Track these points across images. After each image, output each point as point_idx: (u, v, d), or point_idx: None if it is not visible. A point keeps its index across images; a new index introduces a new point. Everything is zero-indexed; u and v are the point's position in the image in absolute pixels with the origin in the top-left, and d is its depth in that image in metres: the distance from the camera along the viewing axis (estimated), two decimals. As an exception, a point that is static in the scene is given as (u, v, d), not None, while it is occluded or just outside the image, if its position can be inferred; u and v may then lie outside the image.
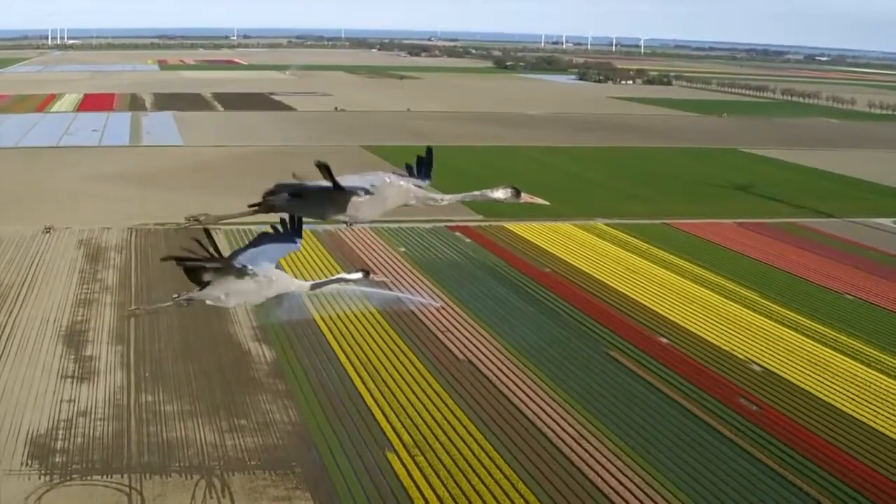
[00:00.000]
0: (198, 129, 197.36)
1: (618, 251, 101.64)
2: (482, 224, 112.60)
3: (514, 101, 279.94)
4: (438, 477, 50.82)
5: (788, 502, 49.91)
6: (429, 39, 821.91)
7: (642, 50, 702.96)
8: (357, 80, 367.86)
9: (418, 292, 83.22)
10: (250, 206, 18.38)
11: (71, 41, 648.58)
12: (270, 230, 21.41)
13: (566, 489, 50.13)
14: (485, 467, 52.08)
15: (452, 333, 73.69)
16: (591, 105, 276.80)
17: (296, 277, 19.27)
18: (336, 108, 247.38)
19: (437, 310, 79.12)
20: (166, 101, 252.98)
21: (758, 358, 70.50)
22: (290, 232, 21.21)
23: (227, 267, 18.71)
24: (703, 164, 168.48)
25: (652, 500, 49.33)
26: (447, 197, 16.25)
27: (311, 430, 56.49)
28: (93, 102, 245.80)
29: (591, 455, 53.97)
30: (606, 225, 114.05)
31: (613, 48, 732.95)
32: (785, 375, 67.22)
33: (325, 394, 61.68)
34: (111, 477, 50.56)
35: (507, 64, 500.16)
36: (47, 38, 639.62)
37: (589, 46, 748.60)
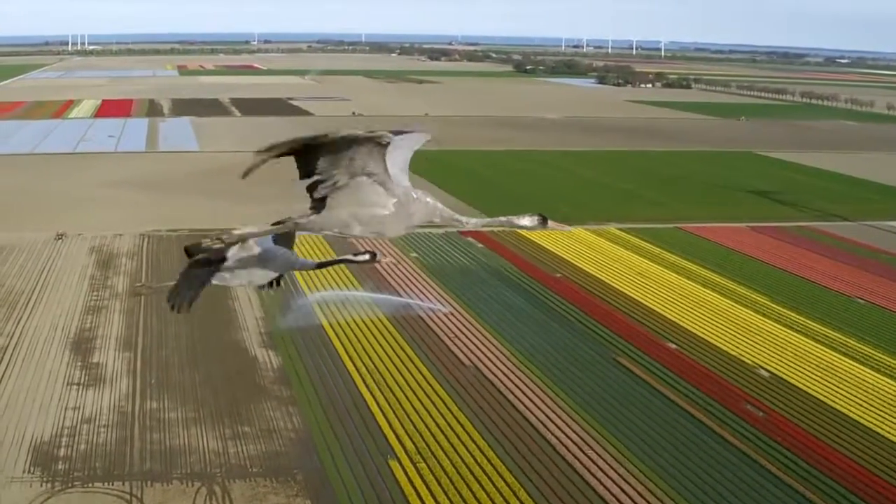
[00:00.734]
0: (214, 135, 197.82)
1: (630, 256, 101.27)
2: (495, 230, 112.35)
3: (533, 105, 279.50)
4: (440, 484, 50.66)
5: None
6: (449, 44, 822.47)
7: (662, 53, 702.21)
8: (376, 85, 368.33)
9: (427, 298, 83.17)
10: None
11: (91, 47, 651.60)
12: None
13: (567, 497, 49.89)
14: (486, 475, 51.87)
15: (460, 339, 73.53)
16: (609, 109, 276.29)
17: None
18: (353, 113, 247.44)
19: (446, 315, 79.01)
20: (184, 107, 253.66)
21: (766, 363, 70.06)
22: None
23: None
24: (718, 168, 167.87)
25: (653, 507, 49.06)
26: (472, 220, 15.79)
27: (314, 437, 56.43)
28: (110, 108, 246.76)
29: (593, 462, 53.67)
30: (619, 229, 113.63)
31: (634, 51, 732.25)
32: (792, 381, 66.79)
33: (329, 400, 61.62)
34: (112, 484, 50.60)
35: (527, 68, 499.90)
36: (68, 43, 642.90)
37: (609, 50, 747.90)
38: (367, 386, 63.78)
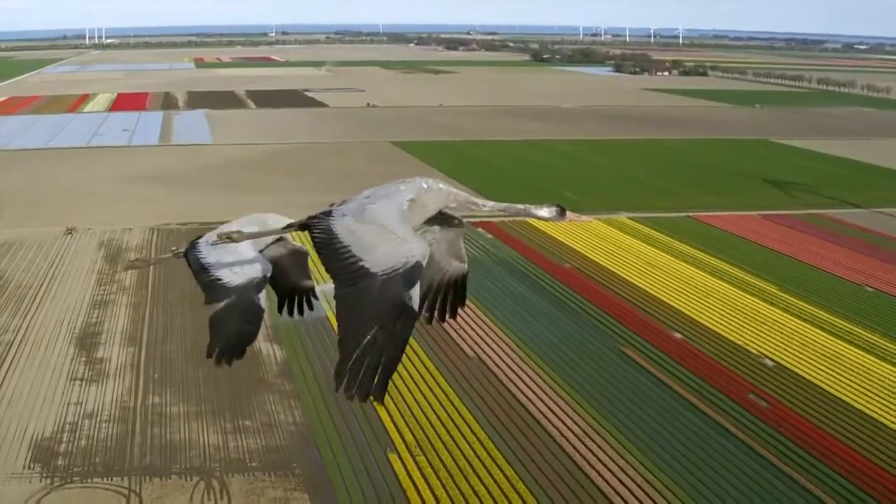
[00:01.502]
0: (229, 128, 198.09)
1: (639, 245, 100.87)
2: (505, 220, 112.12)
3: (548, 94, 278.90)
4: (438, 477, 50.52)
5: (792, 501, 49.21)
6: (467, 33, 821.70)
7: (681, 41, 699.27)
8: (392, 76, 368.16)
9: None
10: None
11: (109, 40, 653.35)
12: None
13: (566, 489, 49.67)
14: (485, 467, 51.73)
15: (464, 331, 73.28)
16: (625, 97, 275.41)
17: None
18: (368, 104, 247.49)
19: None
20: (199, 100, 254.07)
21: (771, 352, 69.66)
22: None
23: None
24: (732, 156, 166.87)
25: (651, 499, 48.75)
26: (489, 203, 15.38)
27: (314, 431, 56.37)
28: (126, 102, 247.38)
29: (593, 454, 53.45)
30: (630, 218, 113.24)
31: (652, 39, 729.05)
32: (797, 370, 66.36)
33: (331, 394, 61.41)
34: (111, 479, 50.64)
35: (544, 57, 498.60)
36: (85, 37, 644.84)
37: (627, 38, 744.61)
38: (369, 379, 63.53)
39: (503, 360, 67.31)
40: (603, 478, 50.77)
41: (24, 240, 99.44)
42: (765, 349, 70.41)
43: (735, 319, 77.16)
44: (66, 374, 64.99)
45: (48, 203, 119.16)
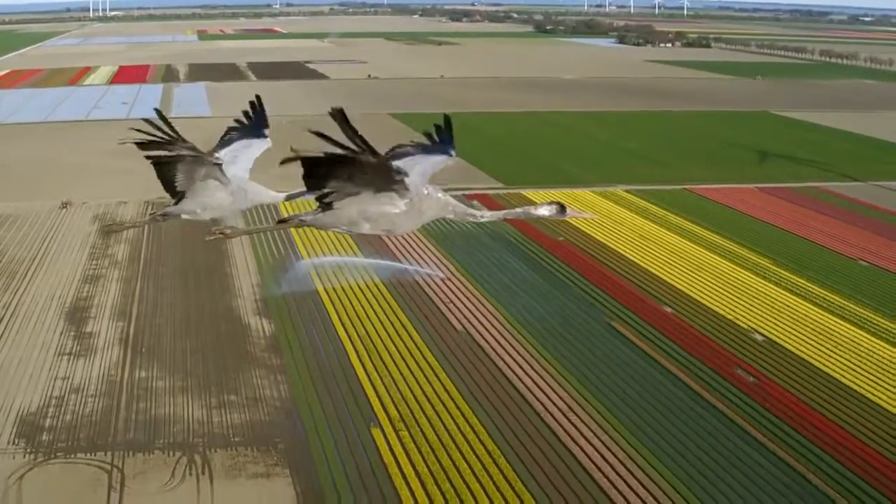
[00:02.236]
0: (228, 100, 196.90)
1: (634, 218, 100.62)
2: (501, 192, 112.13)
3: (551, 65, 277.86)
4: (420, 452, 50.56)
5: (781, 482, 49.20)
6: (472, 4, 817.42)
7: (685, 12, 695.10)
8: (394, 47, 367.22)
9: (427, 263, 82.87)
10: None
11: (113, 13, 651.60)
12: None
13: (547, 463, 49.65)
14: (468, 441, 51.74)
15: (455, 305, 73.33)
16: (627, 69, 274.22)
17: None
18: (369, 76, 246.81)
19: (443, 280, 78.81)
20: (200, 72, 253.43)
21: (761, 327, 69.52)
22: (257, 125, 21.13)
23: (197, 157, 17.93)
24: (732, 128, 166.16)
25: (633, 475, 48.67)
26: (487, 214, 15.49)
27: (298, 406, 56.38)
28: (127, 75, 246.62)
29: (577, 429, 53.42)
30: (626, 191, 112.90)
31: (657, 10, 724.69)
32: (786, 345, 66.23)
33: (318, 368, 61.54)
34: (94, 454, 50.71)
35: (547, 28, 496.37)
36: (89, 10, 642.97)
37: (632, 9, 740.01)
38: (357, 353, 63.67)
39: (491, 334, 67.28)
40: (585, 452, 50.76)
41: (19, 214, 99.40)
42: (755, 324, 70.30)
43: (727, 293, 77.03)
44: (55, 349, 65.04)
45: (45, 177, 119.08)
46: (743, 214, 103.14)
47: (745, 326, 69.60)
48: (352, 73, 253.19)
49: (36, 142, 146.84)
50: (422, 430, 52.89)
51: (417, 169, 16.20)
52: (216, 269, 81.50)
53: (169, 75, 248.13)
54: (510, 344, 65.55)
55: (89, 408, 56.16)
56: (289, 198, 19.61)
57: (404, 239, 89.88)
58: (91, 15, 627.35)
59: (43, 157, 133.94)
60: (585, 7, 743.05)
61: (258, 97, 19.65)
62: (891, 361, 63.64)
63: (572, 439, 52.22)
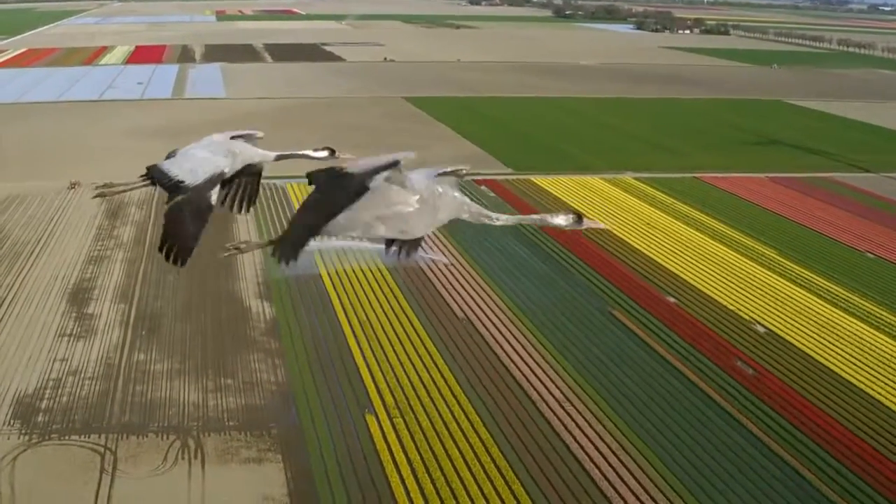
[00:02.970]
0: (243, 82, 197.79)
1: (641, 206, 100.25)
2: (510, 178, 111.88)
3: (567, 51, 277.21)
4: (413, 439, 50.49)
5: (774, 476, 49.02)
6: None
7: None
8: (412, 30, 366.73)
9: (431, 248, 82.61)
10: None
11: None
12: None
13: (539, 453, 49.52)
14: (461, 430, 51.65)
15: (457, 291, 73.21)
16: (644, 55, 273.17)
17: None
18: (385, 59, 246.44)
19: (446, 266, 78.69)
20: (216, 53, 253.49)
21: (763, 318, 69.20)
22: None
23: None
24: (745, 117, 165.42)
25: (625, 465, 48.57)
26: (503, 217, 15.35)
27: (294, 391, 56.38)
28: (143, 55, 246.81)
29: (572, 419, 53.27)
30: (635, 179, 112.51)
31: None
32: (788, 337, 65.89)
33: (316, 353, 61.48)
34: (89, 437, 50.81)
35: (566, 13, 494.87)
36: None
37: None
38: (356, 338, 63.58)
39: (491, 322, 67.13)
40: (578, 443, 50.64)
41: (28, 194, 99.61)
42: (757, 315, 69.98)
43: (731, 284, 76.70)
44: (55, 331, 65.14)
45: (55, 157, 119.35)
46: (751, 204, 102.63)
47: (748, 318, 69.30)
48: (368, 56, 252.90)
49: (48, 121, 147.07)
50: (416, 417, 52.83)
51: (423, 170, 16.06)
52: (220, 251, 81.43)
53: (185, 56, 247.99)
54: (510, 331, 65.40)
55: (86, 390, 56.24)
56: (279, 157, 19.60)
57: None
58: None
59: (54, 136, 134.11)
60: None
61: None
62: (892, 356, 63.24)
63: (566, 429, 52.11)
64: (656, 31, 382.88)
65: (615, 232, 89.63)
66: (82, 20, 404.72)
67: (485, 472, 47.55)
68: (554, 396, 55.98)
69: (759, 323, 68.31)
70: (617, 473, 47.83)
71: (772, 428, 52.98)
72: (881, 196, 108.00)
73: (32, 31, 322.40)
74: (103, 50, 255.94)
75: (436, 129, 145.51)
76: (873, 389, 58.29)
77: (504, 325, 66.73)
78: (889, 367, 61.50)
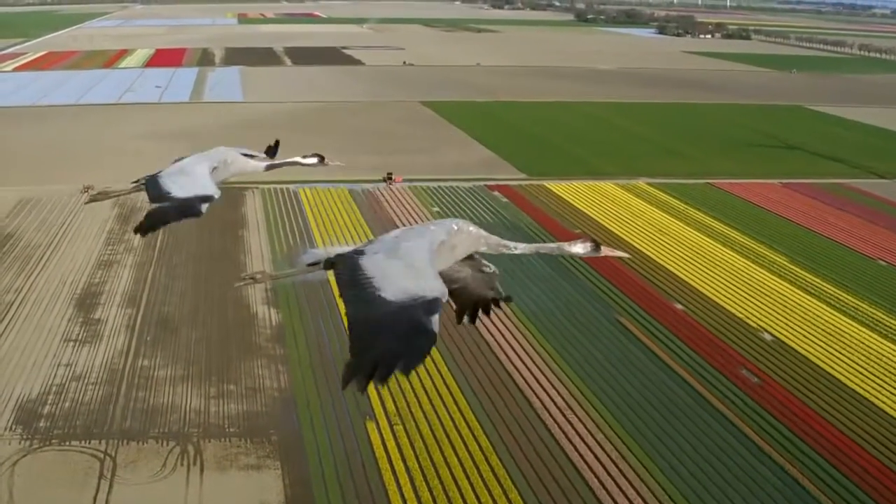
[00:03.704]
0: (262, 85, 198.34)
1: (653, 211, 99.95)
2: (522, 183, 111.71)
3: (588, 55, 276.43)
4: (412, 447, 50.44)
5: (774, 487, 48.77)
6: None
7: (728, 3, 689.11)
8: (432, 34, 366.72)
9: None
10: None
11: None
12: None
13: (538, 461, 49.39)
14: (462, 437, 51.57)
15: (464, 298, 72.91)
16: (664, 60, 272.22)
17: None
18: (404, 63, 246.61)
19: (455, 272, 78.44)
20: (236, 56, 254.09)
21: (771, 326, 68.84)
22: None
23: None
24: (762, 122, 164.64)
25: (624, 475, 48.37)
26: (521, 246, 15.48)
27: (297, 398, 56.39)
28: (163, 58, 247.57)
29: (573, 427, 53.11)
30: (648, 184, 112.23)
31: (700, 1, 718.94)
32: (795, 345, 65.53)
33: (320, 360, 61.46)
34: (89, 443, 50.93)
35: (588, 17, 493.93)
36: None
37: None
38: (360, 345, 63.34)
39: (496, 327, 66.85)
40: (577, 451, 50.49)
41: (41, 198, 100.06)
42: (765, 323, 69.63)
43: (739, 291, 76.35)
44: (61, 335, 65.37)
45: (70, 160, 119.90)
46: (764, 210, 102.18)
47: (755, 325, 68.94)
48: (388, 60, 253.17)
49: (64, 125, 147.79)
50: (416, 425, 52.78)
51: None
52: (230, 257, 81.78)
53: (204, 59, 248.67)
54: (514, 338, 65.23)
55: (89, 395, 56.39)
56: (269, 167, 19.77)
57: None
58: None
59: (70, 140, 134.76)
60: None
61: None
62: (899, 365, 62.89)
63: (567, 437, 51.96)
64: (678, 35, 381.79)
65: (625, 238, 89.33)
66: (104, 23, 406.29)
67: (482, 480, 47.45)
68: (556, 404, 55.82)
69: (767, 331, 67.92)
70: (615, 482, 47.67)
71: (774, 437, 52.70)
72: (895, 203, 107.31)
73: (53, 34, 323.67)
74: (123, 53, 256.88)
75: (451, 134, 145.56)
76: (878, 399, 57.90)
77: (509, 330, 66.56)
78: (895, 375, 61.05)
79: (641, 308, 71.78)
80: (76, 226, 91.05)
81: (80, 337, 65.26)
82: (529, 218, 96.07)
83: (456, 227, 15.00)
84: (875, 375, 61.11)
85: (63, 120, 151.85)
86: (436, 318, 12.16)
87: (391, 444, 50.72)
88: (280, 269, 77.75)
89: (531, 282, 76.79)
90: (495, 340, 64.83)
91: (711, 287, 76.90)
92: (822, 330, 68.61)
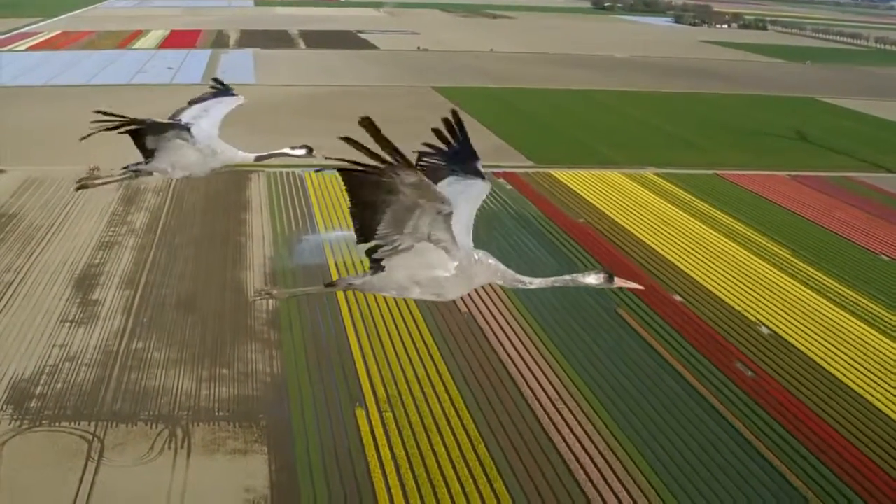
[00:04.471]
0: (274, 68, 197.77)
1: (659, 202, 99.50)
2: (529, 171, 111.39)
3: (603, 43, 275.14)
4: (400, 434, 50.41)
5: (762, 483, 48.63)
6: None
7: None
8: (449, 19, 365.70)
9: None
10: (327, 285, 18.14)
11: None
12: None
13: (525, 451, 49.33)
14: (450, 426, 51.50)
15: (463, 286, 72.76)
16: (680, 49, 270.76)
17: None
18: (419, 48, 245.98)
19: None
20: (251, 39, 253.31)
21: (769, 320, 68.53)
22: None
23: (161, 126, 18.94)
24: (774, 114, 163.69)
25: (610, 466, 48.27)
26: (536, 281, 15.66)
27: (288, 382, 56.40)
28: (177, 39, 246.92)
29: (562, 417, 53.00)
30: (656, 174, 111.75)
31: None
32: (792, 340, 65.23)
33: (315, 345, 61.41)
34: (79, 424, 51.03)
35: (605, 5, 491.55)
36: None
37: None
38: (356, 330, 63.45)
39: (493, 317, 66.78)
40: (566, 442, 50.39)
41: (46, 178, 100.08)
42: (763, 316, 69.33)
43: (740, 284, 75.99)
44: (58, 316, 65.44)
45: (77, 141, 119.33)
46: (770, 202, 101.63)
47: (753, 319, 68.65)
48: (402, 45, 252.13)
49: (74, 105, 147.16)
50: (406, 412, 52.74)
51: (463, 217, 16.39)
52: (231, 239, 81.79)
53: (219, 41, 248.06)
54: (511, 327, 65.10)
55: (82, 377, 56.47)
56: (258, 159, 19.90)
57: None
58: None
59: (79, 120, 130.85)
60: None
61: None
62: (895, 362, 62.54)
63: (556, 428, 51.87)
64: (694, 24, 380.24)
65: (628, 227, 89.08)
66: (121, 3, 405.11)
67: (468, 468, 47.43)
68: (547, 394, 55.73)
69: (765, 324, 67.64)
70: (601, 474, 47.62)
71: (765, 433, 52.52)
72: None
73: (69, 14, 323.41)
74: (138, 34, 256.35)
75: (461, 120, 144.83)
76: (872, 395, 57.65)
77: (506, 320, 66.45)
78: (891, 372, 60.76)
79: (640, 299, 71.38)
80: (80, 206, 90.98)
81: (76, 318, 65.33)
82: (534, 206, 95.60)
83: (477, 258, 15.29)
84: (871, 372, 60.80)
85: (74, 100, 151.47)
86: None
87: (379, 432, 50.70)
88: (278, 251, 77.95)
89: (532, 272, 76.08)
90: (490, 329, 64.75)
91: (712, 279, 76.60)
92: (821, 325, 68.29)
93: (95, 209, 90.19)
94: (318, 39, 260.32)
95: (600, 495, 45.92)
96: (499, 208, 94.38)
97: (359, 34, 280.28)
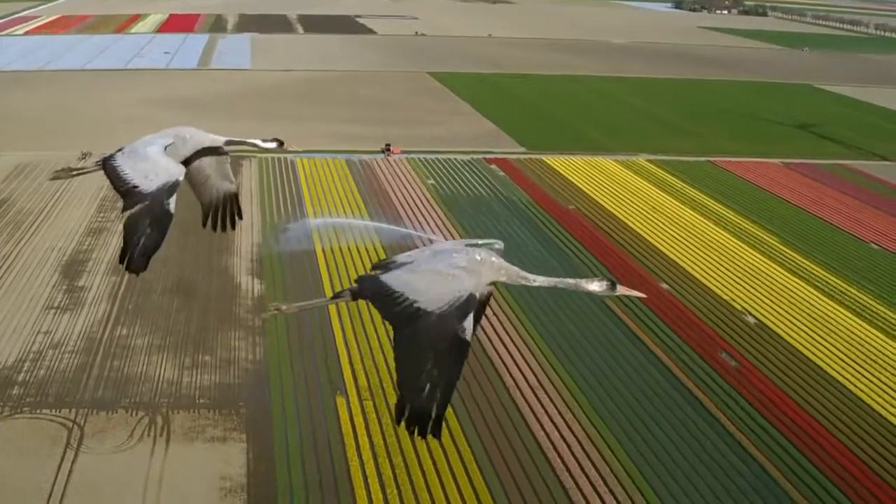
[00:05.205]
0: (271, 53, 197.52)
1: (650, 189, 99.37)
2: (521, 157, 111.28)
3: (602, 28, 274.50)
4: (379, 423, 50.34)
5: (741, 474, 48.67)
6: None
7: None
8: (448, 4, 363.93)
9: (430, 228, 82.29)
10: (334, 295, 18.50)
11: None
12: None
13: (504, 441, 49.34)
14: (430, 416, 51.39)
15: (449, 273, 72.67)
16: (678, 35, 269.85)
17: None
18: (416, 33, 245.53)
19: (439, 247, 78.15)
20: (249, 23, 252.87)
21: (756, 309, 68.47)
22: None
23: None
24: (770, 100, 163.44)
25: (588, 456, 48.24)
26: (539, 279, 15.65)
27: (270, 370, 56.40)
28: (175, 23, 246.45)
29: (542, 406, 53.03)
30: (648, 161, 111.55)
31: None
32: (778, 329, 65.15)
33: (298, 332, 61.33)
34: (60, 411, 51.05)
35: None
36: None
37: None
38: (339, 318, 63.35)
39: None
40: (545, 431, 50.41)
41: (38, 163, 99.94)
42: (750, 305, 69.28)
43: (727, 272, 75.91)
44: (44, 302, 65.44)
45: (71, 126, 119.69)
46: (762, 190, 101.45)
47: (739, 308, 68.61)
48: (400, 30, 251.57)
49: (69, 90, 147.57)
50: (386, 401, 52.65)
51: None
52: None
53: (217, 25, 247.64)
54: (495, 314, 64.90)
55: (64, 364, 56.47)
56: (229, 143, 19.91)
57: (412, 203, 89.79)
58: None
59: (73, 105, 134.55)
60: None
61: None
62: (880, 352, 62.46)
63: (536, 417, 51.88)
64: (694, 10, 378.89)
65: (618, 215, 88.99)
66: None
67: (446, 457, 47.41)
68: (528, 382, 55.76)
69: (750, 313, 67.61)
70: (578, 463, 47.63)
71: (746, 424, 52.48)
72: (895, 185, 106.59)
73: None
74: (136, 18, 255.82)
75: (456, 106, 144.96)
76: (857, 387, 57.54)
77: (491, 308, 66.09)
78: (875, 363, 60.72)
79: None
80: (70, 192, 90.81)
81: (62, 304, 65.36)
82: (525, 193, 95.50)
83: (479, 258, 15.33)
84: (856, 363, 60.68)
85: (69, 85, 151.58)
86: (469, 322, 14.32)
87: (359, 420, 50.70)
88: (266, 237, 77.88)
89: (520, 260, 76.13)
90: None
91: (699, 267, 76.54)
92: (807, 314, 68.23)
93: (86, 195, 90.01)
94: (317, 24, 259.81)
95: (576, 483, 45.92)
96: (490, 196, 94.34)
97: (357, 19, 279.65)
